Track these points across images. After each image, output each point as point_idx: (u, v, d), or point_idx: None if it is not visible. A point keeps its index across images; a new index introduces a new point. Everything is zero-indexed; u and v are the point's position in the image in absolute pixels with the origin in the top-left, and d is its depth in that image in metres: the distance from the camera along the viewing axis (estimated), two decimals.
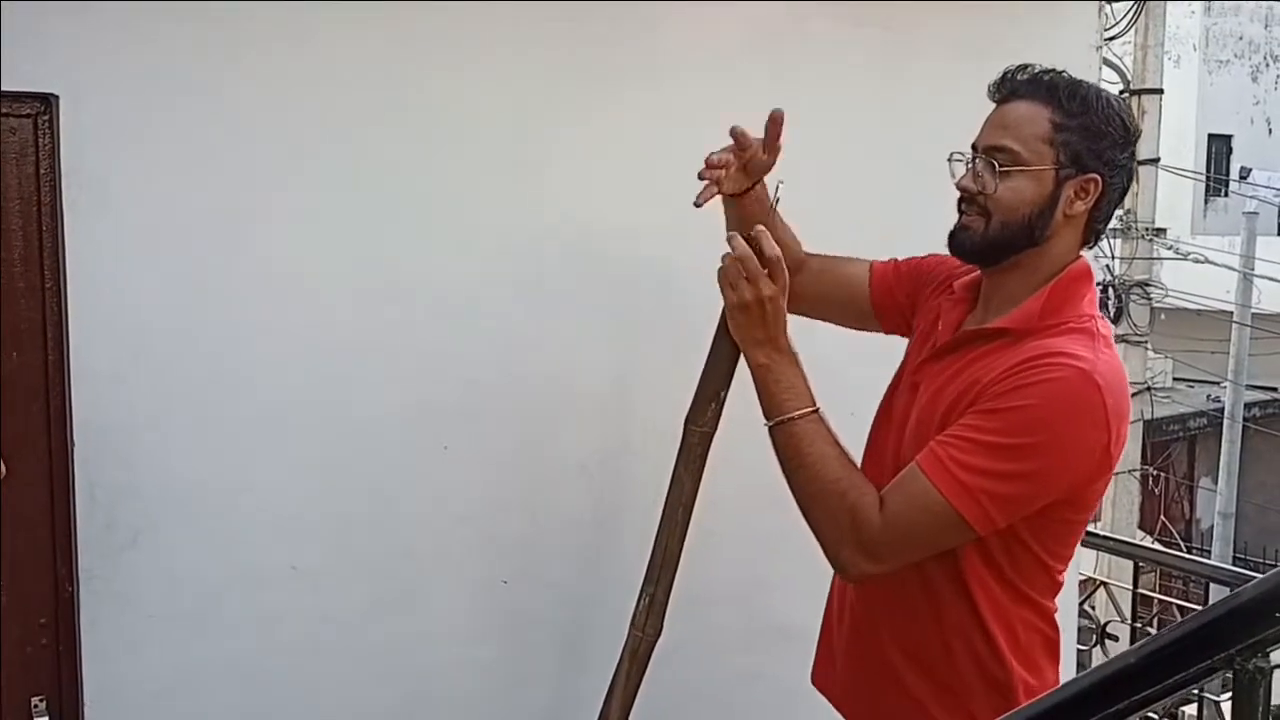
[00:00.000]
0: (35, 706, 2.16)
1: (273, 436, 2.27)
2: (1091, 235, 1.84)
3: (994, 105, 1.83)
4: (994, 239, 1.79)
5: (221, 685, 2.26)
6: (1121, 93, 9.25)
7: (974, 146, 1.83)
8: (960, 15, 2.87)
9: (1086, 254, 1.88)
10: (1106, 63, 8.93)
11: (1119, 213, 9.58)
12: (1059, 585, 1.86)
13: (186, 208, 2.18)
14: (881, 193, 2.73)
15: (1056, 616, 1.87)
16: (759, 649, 2.75)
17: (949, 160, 1.87)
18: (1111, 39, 8.38)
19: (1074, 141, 1.75)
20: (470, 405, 2.43)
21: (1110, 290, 9.58)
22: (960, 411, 1.74)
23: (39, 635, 2.17)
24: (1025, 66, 1.82)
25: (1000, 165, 1.76)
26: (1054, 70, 1.80)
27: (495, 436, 2.47)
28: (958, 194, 1.84)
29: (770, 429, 1.80)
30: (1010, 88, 1.80)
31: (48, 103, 2.10)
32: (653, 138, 2.52)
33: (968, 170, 1.82)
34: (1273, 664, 1.13)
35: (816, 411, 1.79)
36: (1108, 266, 9.91)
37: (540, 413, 2.51)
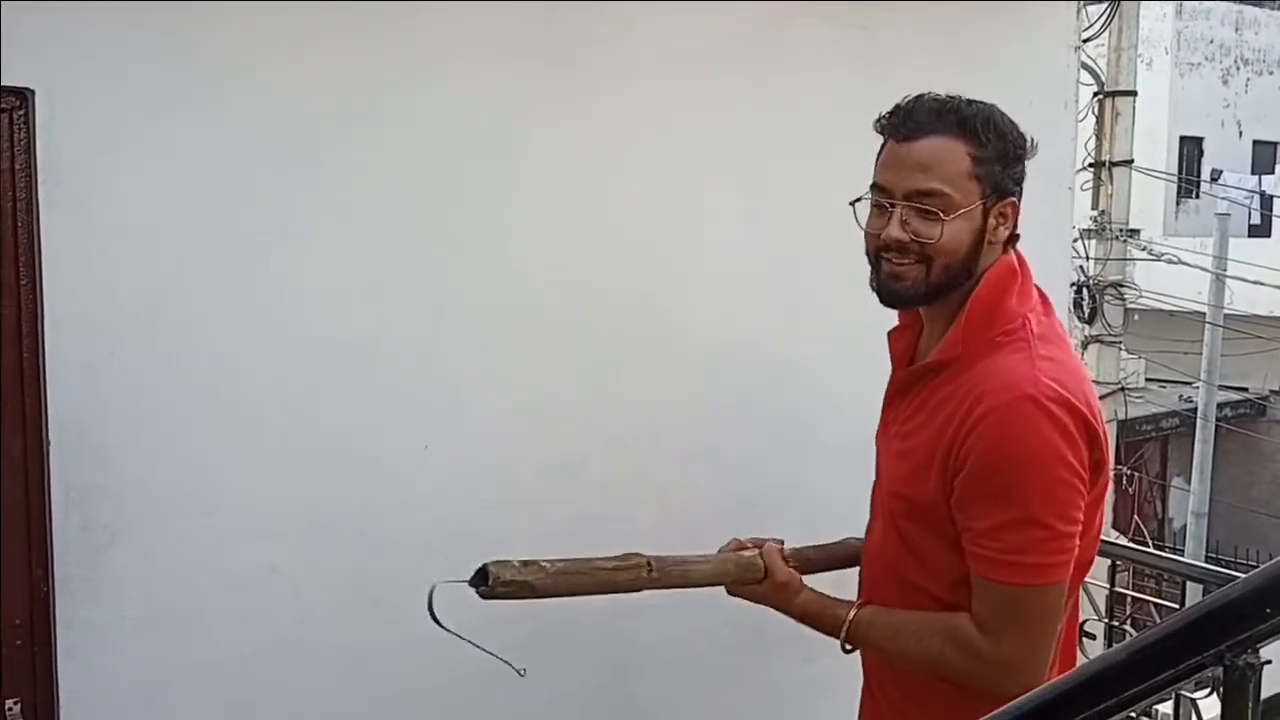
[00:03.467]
0: (10, 709, 2.13)
1: (250, 437, 2.25)
2: (1010, 245, 1.80)
3: (890, 142, 1.74)
4: (936, 283, 1.73)
5: (199, 686, 2.24)
6: (1095, 95, 9.30)
7: (881, 187, 1.74)
8: (938, 16, 2.87)
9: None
10: (1082, 65, 8.98)
11: (1093, 214, 9.66)
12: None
13: (163, 205, 2.16)
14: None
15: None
16: (740, 649, 2.74)
17: (852, 205, 1.79)
18: (1085, 41, 8.42)
19: (995, 172, 1.71)
20: (449, 406, 2.42)
21: (1085, 290, 9.64)
22: (940, 474, 1.71)
23: (14, 636, 2.13)
24: (920, 97, 1.74)
25: (941, 212, 1.69)
26: (952, 97, 1.74)
27: (476, 437, 2.45)
28: (878, 243, 1.75)
29: (845, 647, 1.88)
30: (915, 124, 1.71)
31: (24, 97, 2.07)
32: (629, 140, 2.52)
33: (889, 217, 1.72)
34: (1262, 660, 1.13)
35: (851, 613, 1.84)
36: (1081, 267, 9.96)
37: (520, 413, 2.50)
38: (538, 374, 2.51)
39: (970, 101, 1.74)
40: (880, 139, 1.78)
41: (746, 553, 1.87)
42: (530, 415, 2.51)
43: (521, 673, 1.61)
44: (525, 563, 1.65)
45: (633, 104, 2.55)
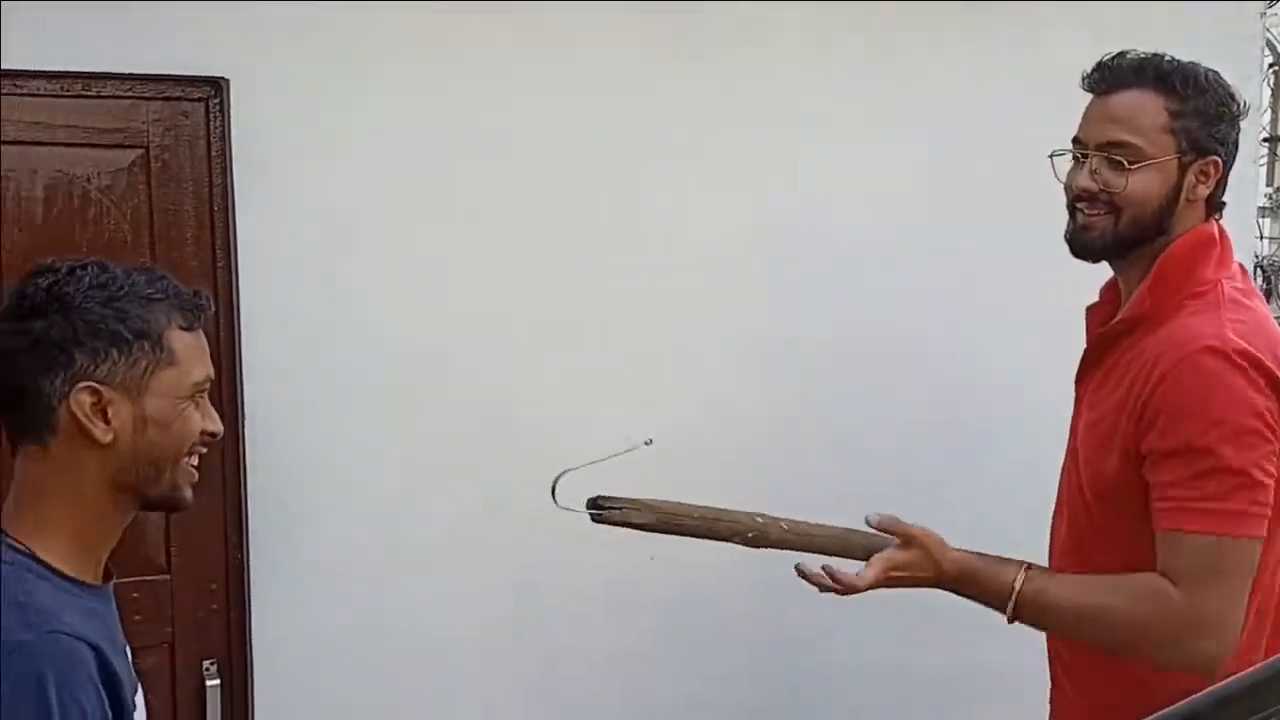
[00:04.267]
0: (207, 669, 2.24)
1: (430, 411, 2.32)
2: (1214, 210, 1.78)
3: (1092, 96, 1.77)
4: (1124, 235, 1.74)
5: (383, 653, 2.32)
6: (1271, 66, 8.86)
7: (1079, 141, 1.77)
8: None
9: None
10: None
11: (1268, 191, 9.21)
12: None
13: (353, 190, 2.24)
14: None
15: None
16: (907, 638, 2.71)
17: (1051, 158, 1.81)
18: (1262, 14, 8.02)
19: (1193, 128, 1.70)
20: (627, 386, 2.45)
21: (1259, 270, 9.22)
22: (1128, 437, 1.68)
23: (210, 600, 2.25)
24: (1123, 53, 1.75)
25: (1128, 162, 1.70)
26: (1156, 55, 1.74)
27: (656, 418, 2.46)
28: (1072, 194, 1.78)
29: (1014, 619, 1.74)
30: (1113, 77, 1.74)
31: (219, 86, 2.17)
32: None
33: (1082, 168, 1.76)
34: None
35: (1023, 568, 1.73)
36: (1254, 249, 9.53)
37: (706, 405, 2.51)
38: (725, 375, 2.51)
39: (1173, 59, 1.74)
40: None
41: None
42: (716, 406, 2.51)
43: (649, 442, 1.73)
44: (635, 500, 1.77)
45: (826, 105, 2.53)
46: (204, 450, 1.39)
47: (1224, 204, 1.79)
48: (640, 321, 2.45)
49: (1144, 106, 1.71)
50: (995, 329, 2.63)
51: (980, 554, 1.76)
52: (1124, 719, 1.72)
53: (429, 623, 2.34)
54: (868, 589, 1.72)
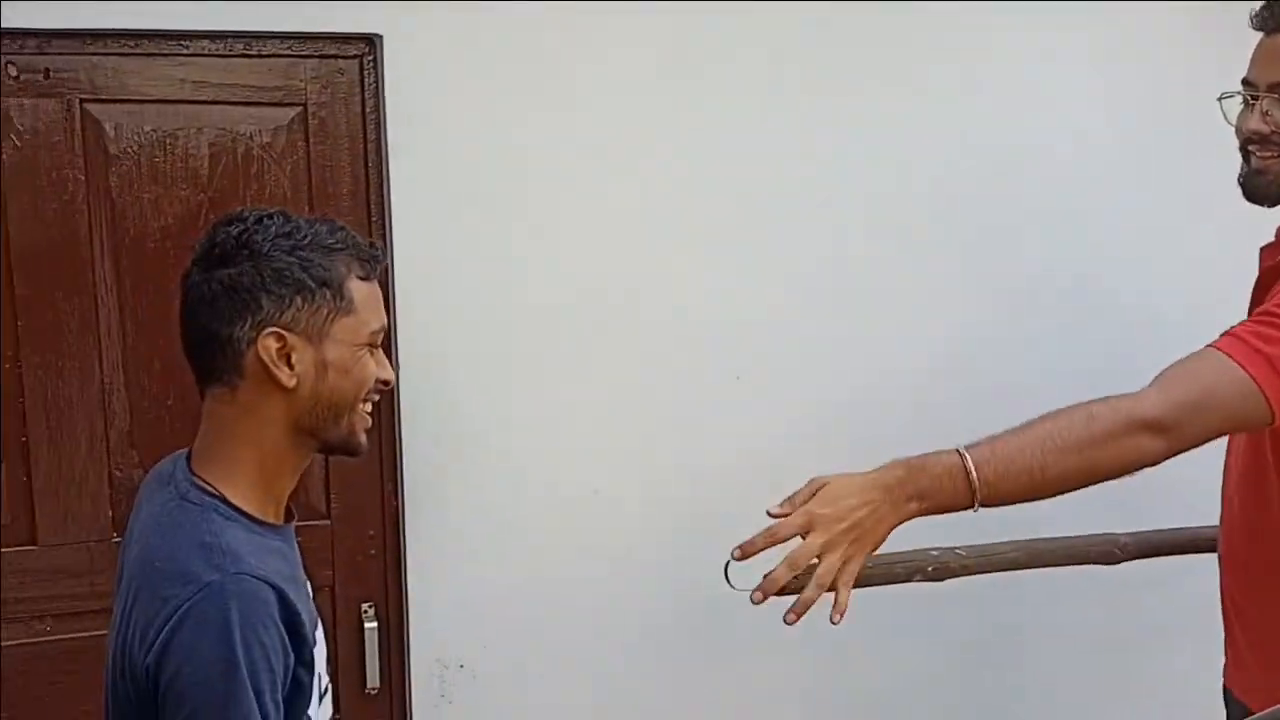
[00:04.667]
0: (365, 612, 2.32)
1: (580, 366, 2.35)
2: None
3: (1261, 36, 1.70)
4: None
5: (531, 598, 2.36)
6: None
7: (1248, 83, 1.70)
8: None
9: None
10: None
11: None
12: None
13: (505, 146, 2.26)
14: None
15: None
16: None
17: (1219, 101, 1.74)
18: None
19: None
20: (760, 339, 2.45)
21: None
22: None
23: (368, 546, 2.32)
24: None
25: None
26: None
27: (785, 370, 2.47)
28: (1243, 137, 1.72)
29: (984, 504, 1.52)
30: None
31: (372, 44, 2.21)
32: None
33: (1252, 110, 1.69)
34: None
35: (959, 451, 1.52)
36: None
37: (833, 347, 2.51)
38: (849, 313, 2.50)
39: None
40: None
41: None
42: (842, 351, 2.51)
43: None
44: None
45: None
46: (377, 398, 1.43)
47: None
48: (785, 278, 2.45)
49: None
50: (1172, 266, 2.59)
51: (908, 459, 1.54)
52: None
53: (581, 571, 2.38)
54: (812, 554, 1.49)
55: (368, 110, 2.24)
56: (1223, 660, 1.93)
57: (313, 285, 1.34)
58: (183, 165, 2.18)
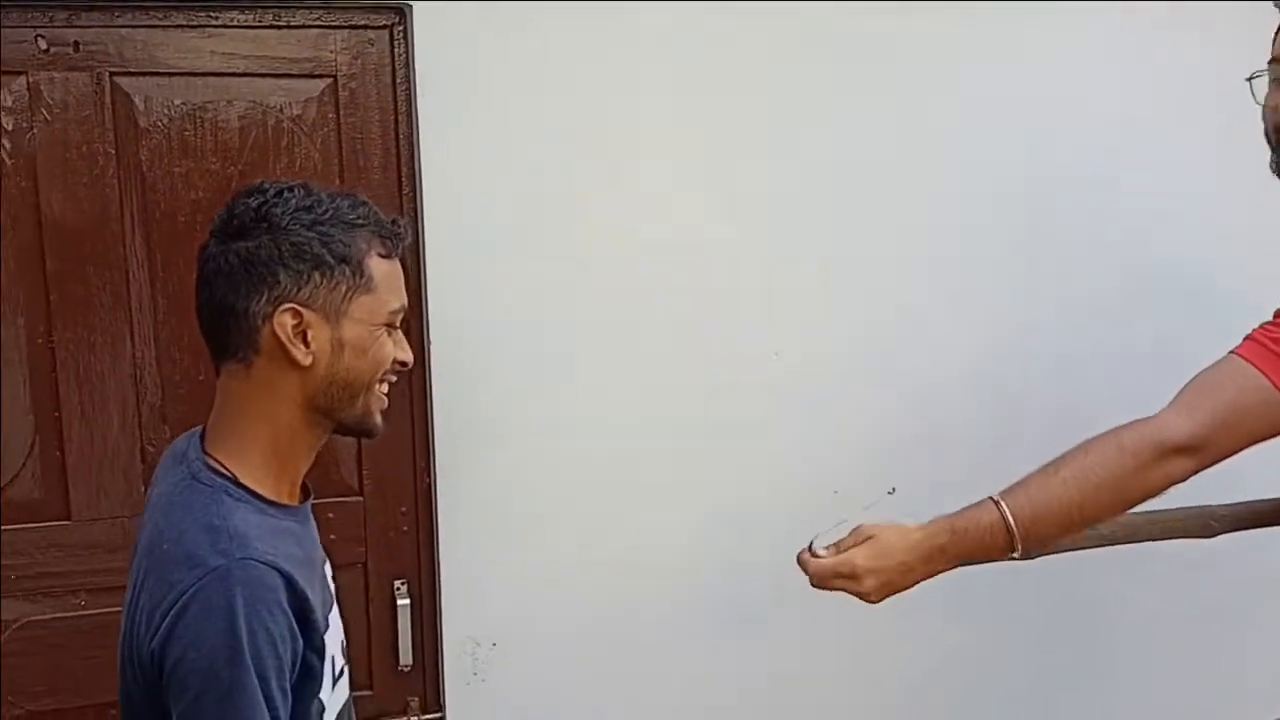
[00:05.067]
0: (398, 588, 2.30)
1: (615, 341, 2.31)
2: None
3: None
4: None
5: (562, 579, 2.34)
6: None
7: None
8: None
9: None
10: None
11: None
12: None
13: (536, 116, 2.22)
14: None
15: None
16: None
17: (1249, 81, 1.69)
18: None
19: None
20: (799, 317, 2.40)
21: None
22: None
23: (400, 523, 2.30)
24: None
25: None
26: None
27: (824, 350, 2.43)
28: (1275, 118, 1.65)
29: (1026, 555, 1.57)
30: None
31: (402, 13, 2.18)
32: None
33: None
34: None
35: (991, 499, 1.56)
36: None
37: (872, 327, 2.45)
38: (893, 292, 2.45)
39: None
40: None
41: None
42: (884, 331, 2.46)
43: (892, 492, 1.60)
44: None
45: None
46: (394, 379, 1.40)
47: None
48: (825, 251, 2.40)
49: None
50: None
51: (946, 518, 1.58)
52: None
53: (614, 550, 2.35)
54: (829, 581, 1.57)
55: (398, 81, 2.21)
56: None
57: (332, 261, 1.31)
58: (212, 138, 2.15)
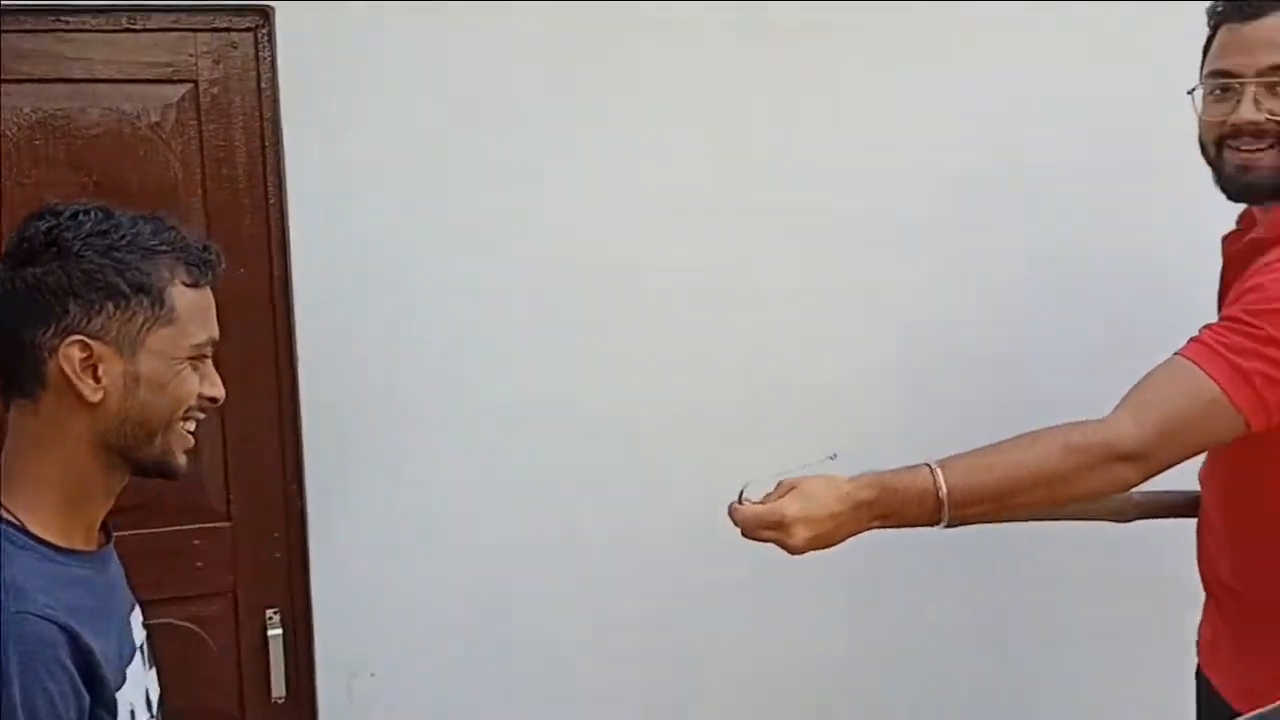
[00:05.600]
0: (269, 618, 2.20)
1: (492, 355, 2.21)
2: None
3: (1226, 28, 1.69)
4: None
5: (445, 605, 2.24)
6: None
7: (1228, 73, 1.67)
8: None
9: None
10: None
11: None
12: None
13: (406, 118, 2.13)
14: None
15: None
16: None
17: (1191, 94, 1.73)
18: None
19: None
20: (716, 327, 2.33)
21: None
22: None
23: (272, 548, 2.20)
24: None
25: None
26: None
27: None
28: (1225, 129, 1.68)
29: (952, 523, 1.55)
30: (1257, 3, 1.65)
31: (266, 15, 2.08)
32: None
33: (1239, 101, 1.65)
34: None
35: (929, 466, 1.54)
36: None
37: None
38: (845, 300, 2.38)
39: None
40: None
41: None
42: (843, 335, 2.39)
43: (833, 456, 1.54)
44: None
45: None
46: (202, 416, 1.31)
47: None
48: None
49: None
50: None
51: (876, 475, 1.55)
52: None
53: (495, 572, 2.26)
54: (754, 527, 1.51)
55: (263, 86, 2.11)
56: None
57: (127, 290, 1.22)
58: (66, 148, 2.05)
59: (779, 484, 1.54)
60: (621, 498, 2.30)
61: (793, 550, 1.51)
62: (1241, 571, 1.78)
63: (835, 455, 1.55)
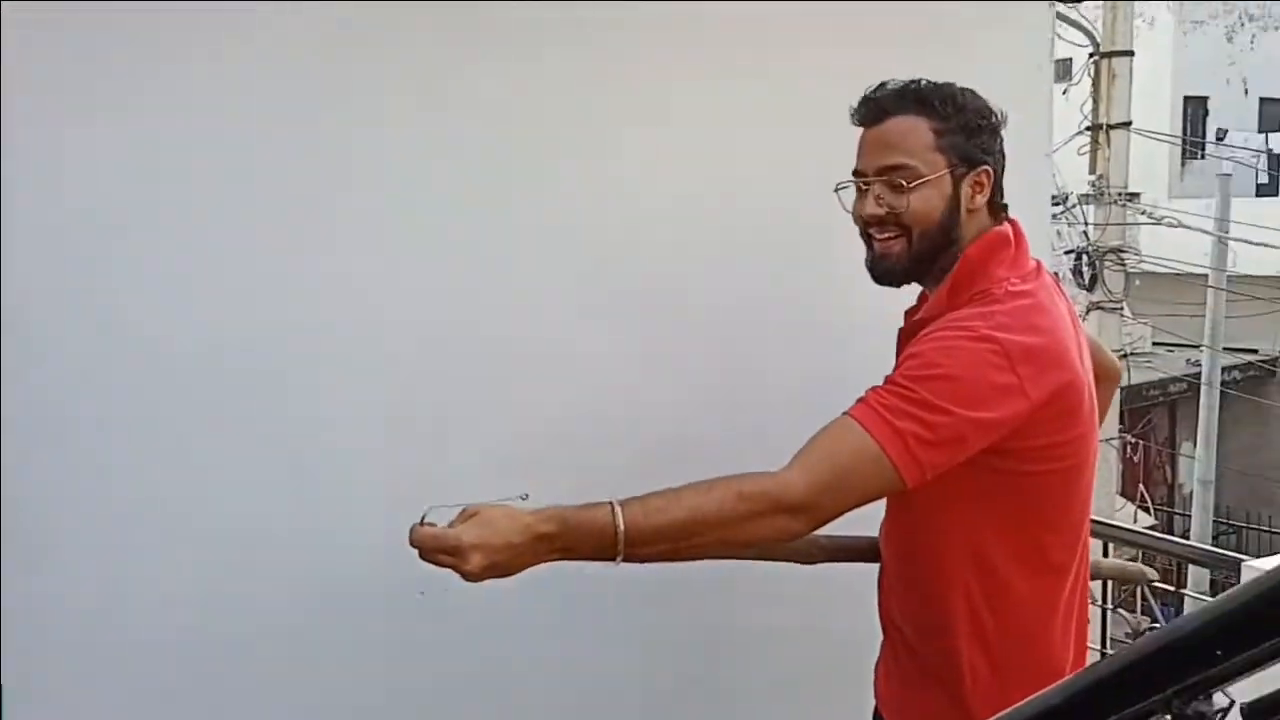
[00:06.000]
0: None
1: (215, 403, 2.12)
2: (996, 213, 1.90)
3: (862, 130, 1.89)
4: (919, 252, 1.85)
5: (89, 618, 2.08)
6: (1091, 56, 9.08)
7: (859, 172, 1.89)
8: None
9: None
10: (1076, 25, 8.76)
11: (1091, 178, 9.46)
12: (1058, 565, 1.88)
13: (132, 123, 2.03)
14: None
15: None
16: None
17: (836, 192, 1.92)
18: (1079, 0, 8.21)
19: (959, 143, 1.84)
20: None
21: (1084, 257, 9.44)
22: None
23: None
24: (884, 84, 1.87)
25: (907, 182, 1.82)
26: (915, 81, 1.87)
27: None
28: (860, 222, 1.90)
29: (629, 559, 1.63)
30: (879, 108, 1.86)
31: None
32: None
33: (866, 197, 1.87)
34: (1217, 707, 0.97)
35: (611, 504, 1.62)
36: (1085, 233, 9.78)
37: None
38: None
39: (931, 82, 1.87)
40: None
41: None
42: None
43: (524, 497, 1.60)
44: None
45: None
46: None
47: (1005, 205, 1.92)
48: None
49: (912, 129, 1.84)
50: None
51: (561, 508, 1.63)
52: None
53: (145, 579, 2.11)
54: (430, 547, 1.55)
55: None
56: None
57: None
58: None
59: (462, 510, 1.58)
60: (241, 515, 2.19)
61: (468, 576, 1.56)
62: (905, 611, 1.97)
63: (527, 496, 1.60)
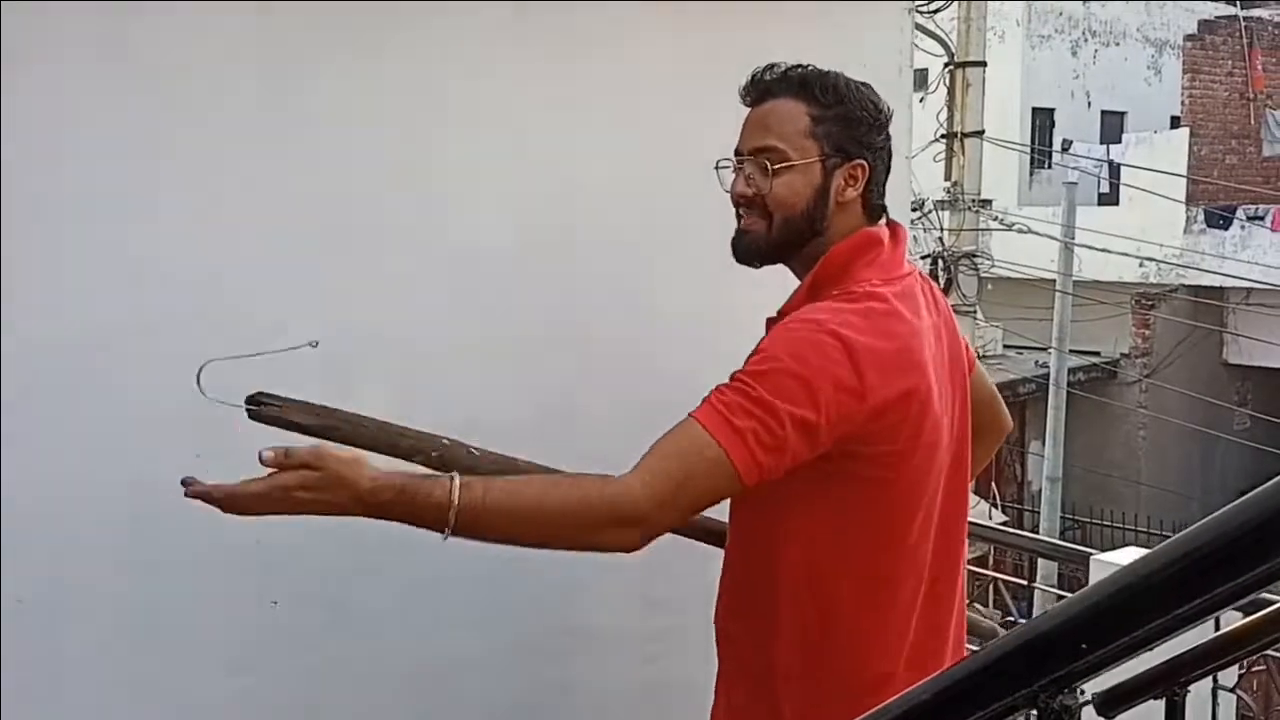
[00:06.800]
0: None
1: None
2: (873, 213, 1.87)
3: (748, 109, 1.87)
4: (778, 237, 1.83)
5: None
6: (946, 65, 9.34)
7: (738, 152, 1.87)
8: None
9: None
10: (932, 35, 9.00)
11: (946, 185, 9.73)
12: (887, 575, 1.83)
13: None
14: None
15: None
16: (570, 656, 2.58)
17: (716, 169, 1.91)
18: (934, 12, 8.44)
19: (835, 132, 1.81)
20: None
21: (940, 261, 9.71)
22: None
23: None
24: (772, 66, 1.85)
25: (772, 164, 1.80)
26: (802, 66, 1.84)
27: None
28: (732, 200, 1.88)
29: (458, 534, 1.58)
30: (762, 89, 1.84)
31: None
32: None
33: (738, 175, 1.85)
34: (1081, 700, 0.98)
35: (454, 478, 1.58)
36: (940, 238, 10.05)
37: None
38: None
39: (815, 68, 1.84)
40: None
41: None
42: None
43: (314, 344, 1.60)
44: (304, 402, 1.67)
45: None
46: None
47: (884, 206, 1.89)
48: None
49: (788, 112, 1.81)
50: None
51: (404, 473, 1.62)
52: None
53: None
54: (258, 506, 1.52)
55: None
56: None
57: None
58: None
59: (287, 451, 1.51)
60: None
61: (248, 514, 1.52)
62: (734, 608, 1.92)
63: (317, 344, 1.60)
